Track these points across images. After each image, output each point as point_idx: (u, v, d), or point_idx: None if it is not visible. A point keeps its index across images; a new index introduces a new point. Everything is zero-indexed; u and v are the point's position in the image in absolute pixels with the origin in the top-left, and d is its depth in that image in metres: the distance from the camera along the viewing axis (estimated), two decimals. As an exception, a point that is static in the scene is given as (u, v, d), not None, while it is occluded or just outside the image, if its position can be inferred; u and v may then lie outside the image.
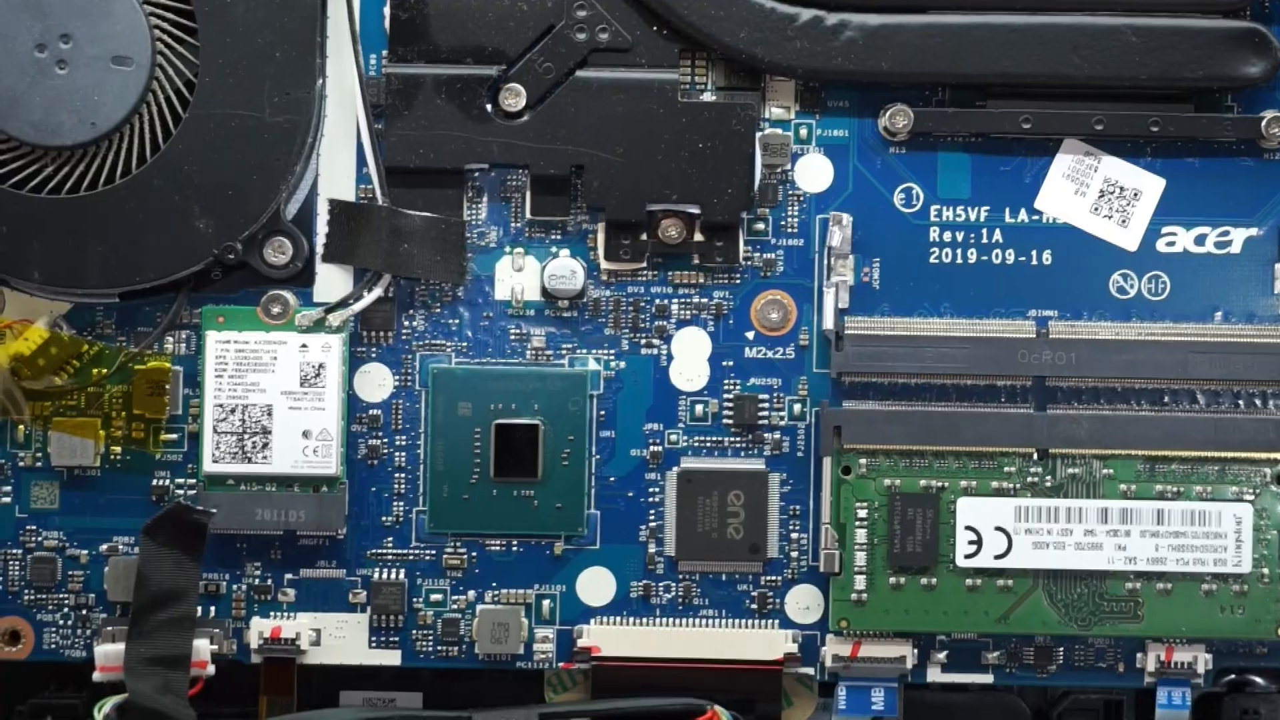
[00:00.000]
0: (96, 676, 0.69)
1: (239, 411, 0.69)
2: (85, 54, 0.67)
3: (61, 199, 0.68)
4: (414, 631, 0.70)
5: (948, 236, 0.69)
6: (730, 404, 0.70)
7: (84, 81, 0.67)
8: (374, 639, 0.70)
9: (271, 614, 0.70)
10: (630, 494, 0.70)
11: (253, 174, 0.68)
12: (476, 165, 0.69)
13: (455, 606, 0.70)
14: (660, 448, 0.70)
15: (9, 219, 0.68)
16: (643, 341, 0.70)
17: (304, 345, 0.69)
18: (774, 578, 0.70)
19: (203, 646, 0.69)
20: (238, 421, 0.69)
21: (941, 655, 0.70)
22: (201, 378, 0.69)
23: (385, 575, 0.70)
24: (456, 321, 0.70)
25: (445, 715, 0.70)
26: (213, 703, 0.69)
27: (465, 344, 0.70)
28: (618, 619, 0.70)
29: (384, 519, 0.70)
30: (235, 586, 0.70)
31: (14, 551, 0.70)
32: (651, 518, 0.70)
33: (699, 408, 0.70)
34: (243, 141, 0.68)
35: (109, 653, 0.69)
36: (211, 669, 0.69)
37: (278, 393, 0.69)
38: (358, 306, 0.69)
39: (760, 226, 0.70)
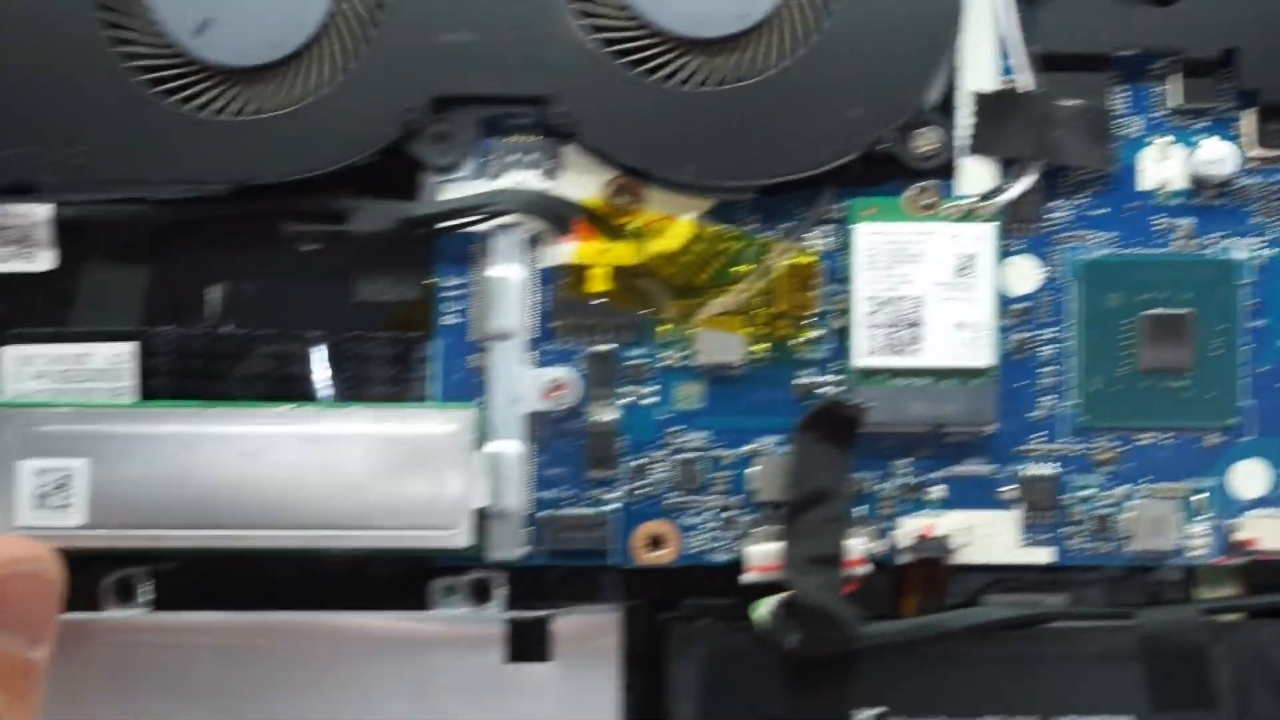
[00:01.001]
0: (747, 577, 0.68)
1: (890, 304, 0.68)
2: (737, -56, 0.67)
3: (711, 92, 0.68)
4: (1065, 529, 0.69)
5: None
6: (1385, 290, 0.69)
7: (736, -28, 0.67)
8: (1025, 537, 0.69)
9: (920, 512, 0.69)
10: (1283, 384, 0.70)
11: (901, 63, 0.68)
12: (1126, 51, 0.69)
13: (1107, 502, 0.69)
14: (1313, 336, 0.70)
15: (658, 114, 0.67)
16: (1292, 229, 0.70)
17: (956, 236, 0.68)
18: None
19: (858, 545, 0.67)
20: (889, 314, 0.68)
21: None
22: (850, 271, 0.68)
23: (1035, 471, 0.69)
24: (1102, 211, 0.69)
25: (1106, 611, 0.69)
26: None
27: (1111, 234, 0.69)
28: (1274, 511, 0.69)
29: (1032, 413, 0.69)
30: (883, 485, 0.69)
31: (658, 453, 0.69)
32: (1305, 407, 0.69)
33: (1352, 294, 0.70)
34: (892, 31, 0.67)
35: (762, 553, 0.68)
36: (869, 567, 0.68)
37: (929, 284, 0.68)
38: (1009, 195, 0.68)
39: None
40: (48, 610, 0.60)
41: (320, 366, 0.68)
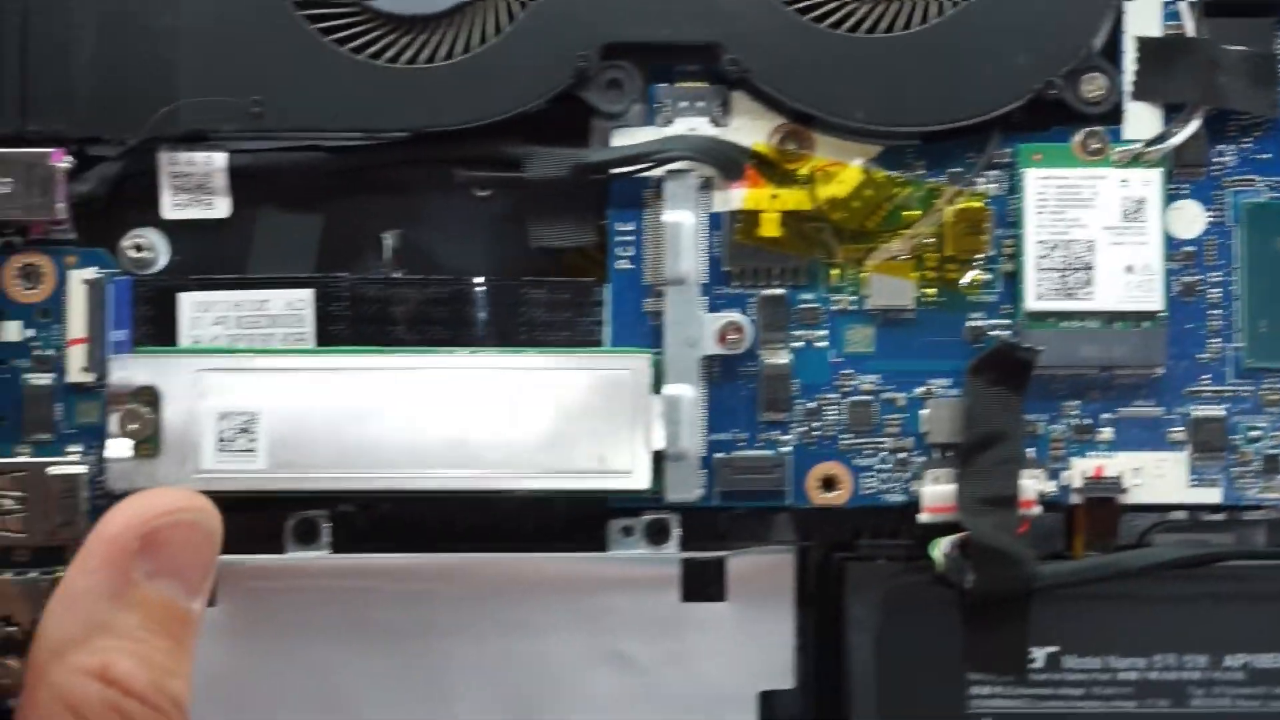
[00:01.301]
0: (923, 518, 0.68)
1: (1060, 248, 0.69)
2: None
3: (880, 38, 0.68)
4: (1233, 469, 0.70)
5: None
6: None
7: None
8: (1193, 477, 0.69)
9: (1089, 454, 0.70)
10: None
11: (1069, 9, 0.68)
12: (1289, -3, 0.70)
13: (1275, 443, 0.70)
14: None
15: (828, 60, 0.68)
16: None
17: (1124, 180, 0.69)
18: None
19: (1030, 486, 0.68)
20: (1059, 258, 0.69)
21: None
22: (1020, 215, 0.69)
23: (1204, 412, 0.70)
24: (1267, 156, 0.70)
25: (1270, 551, 0.69)
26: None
27: (1276, 178, 0.69)
28: None
29: (1200, 355, 0.70)
30: (1054, 427, 0.70)
31: (830, 396, 0.70)
32: None
33: None
34: (1060, -23, 0.69)
35: (937, 494, 0.68)
36: (1039, 509, 0.68)
37: (1099, 228, 0.69)
38: (1176, 140, 0.69)
39: None
40: (206, 562, 0.60)
41: (489, 311, 0.69)
